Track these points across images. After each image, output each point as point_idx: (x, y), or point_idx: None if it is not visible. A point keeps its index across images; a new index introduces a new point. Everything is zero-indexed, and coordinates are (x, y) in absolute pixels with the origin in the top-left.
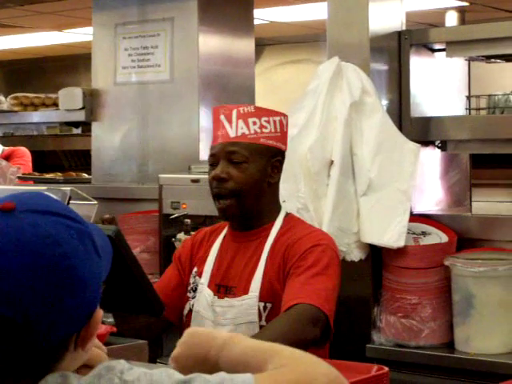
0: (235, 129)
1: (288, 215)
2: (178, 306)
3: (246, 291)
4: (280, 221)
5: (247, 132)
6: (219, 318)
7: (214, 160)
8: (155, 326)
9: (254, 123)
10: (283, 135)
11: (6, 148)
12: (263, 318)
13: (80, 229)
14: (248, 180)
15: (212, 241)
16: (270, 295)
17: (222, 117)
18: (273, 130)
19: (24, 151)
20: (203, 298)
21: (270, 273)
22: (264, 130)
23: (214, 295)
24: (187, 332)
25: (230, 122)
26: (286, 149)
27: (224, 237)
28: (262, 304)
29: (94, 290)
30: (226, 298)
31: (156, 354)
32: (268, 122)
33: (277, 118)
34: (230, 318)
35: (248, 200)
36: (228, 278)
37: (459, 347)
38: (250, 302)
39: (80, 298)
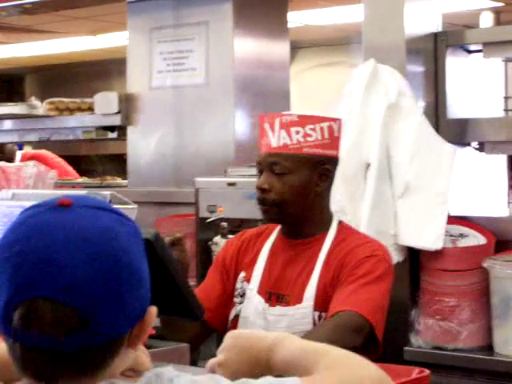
0: (277, 139)
1: (340, 223)
2: (223, 312)
3: (299, 300)
4: (334, 230)
5: (289, 142)
6: (272, 326)
7: (259, 168)
8: (200, 334)
9: (297, 132)
10: (333, 141)
11: (25, 152)
12: None
13: (134, 227)
14: (290, 191)
15: (259, 245)
16: (325, 304)
17: (266, 125)
18: (319, 138)
19: (47, 156)
20: (253, 304)
21: (324, 282)
22: (308, 138)
23: (265, 302)
24: (231, 336)
25: (273, 131)
26: (337, 155)
27: (273, 242)
28: (317, 313)
29: (147, 287)
30: (278, 306)
31: (193, 357)
32: (314, 129)
33: (325, 125)
34: (283, 326)
35: (290, 209)
36: (280, 286)
37: (498, 350)
38: (304, 310)
39: (137, 293)
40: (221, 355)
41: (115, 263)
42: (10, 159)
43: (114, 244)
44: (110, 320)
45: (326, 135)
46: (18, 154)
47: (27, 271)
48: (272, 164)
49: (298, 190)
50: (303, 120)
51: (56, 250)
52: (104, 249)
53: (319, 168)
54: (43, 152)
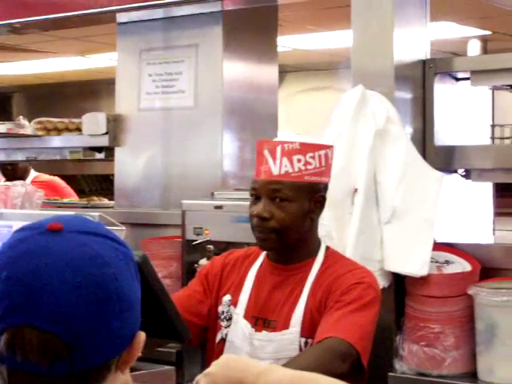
0: (279, 166)
1: (328, 249)
2: (195, 322)
3: (286, 326)
4: (321, 256)
5: (291, 170)
6: (258, 351)
7: (255, 194)
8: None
9: (299, 160)
10: (328, 168)
11: (39, 174)
12: None
13: (125, 252)
14: (290, 219)
15: (246, 268)
16: (312, 331)
17: (266, 152)
18: (317, 166)
19: (59, 184)
20: (239, 329)
21: (311, 308)
22: (308, 166)
23: (252, 327)
24: (225, 356)
25: (273, 158)
26: (329, 181)
27: (260, 266)
28: (303, 340)
29: (136, 312)
30: (264, 332)
31: (178, 379)
32: (313, 157)
33: (322, 152)
34: (269, 352)
35: (289, 237)
36: (266, 311)
37: (482, 377)
38: (291, 336)
39: (125, 319)
40: (210, 367)
41: (103, 290)
42: (22, 177)
43: (103, 271)
44: (96, 346)
45: (323, 163)
46: (32, 174)
47: (13, 297)
48: (273, 191)
49: (297, 217)
50: (304, 148)
51: (43, 277)
52: (92, 276)
53: (316, 195)
54: (56, 179)
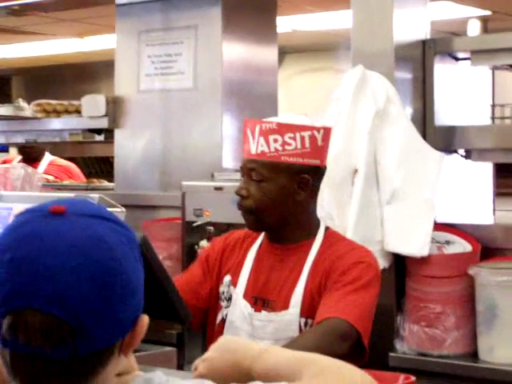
0: (256, 145)
1: (328, 230)
2: (195, 304)
3: (285, 306)
4: (321, 236)
5: (267, 150)
6: (258, 331)
7: (241, 173)
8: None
9: (276, 140)
10: (315, 150)
11: (55, 158)
12: None
13: (128, 235)
14: (265, 198)
15: (246, 248)
16: (312, 311)
17: (248, 131)
18: (299, 147)
19: (74, 171)
20: (239, 309)
21: (311, 288)
22: (287, 147)
23: (251, 307)
24: (224, 337)
25: (253, 137)
26: (320, 164)
27: (260, 246)
28: (303, 320)
29: (139, 295)
30: (263, 312)
31: (179, 361)
32: (293, 138)
33: (306, 134)
34: (269, 332)
35: (267, 217)
36: (266, 291)
37: (483, 357)
38: (290, 317)
39: (129, 302)
40: (209, 351)
41: (106, 273)
42: (37, 159)
43: (106, 253)
44: (99, 330)
45: (307, 144)
46: (48, 157)
47: (16, 281)
48: (250, 170)
49: (274, 198)
50: (282, 128)
51: (45, 259)
52: (94, 259)
53: (298, 177)
54: (72, 165)
